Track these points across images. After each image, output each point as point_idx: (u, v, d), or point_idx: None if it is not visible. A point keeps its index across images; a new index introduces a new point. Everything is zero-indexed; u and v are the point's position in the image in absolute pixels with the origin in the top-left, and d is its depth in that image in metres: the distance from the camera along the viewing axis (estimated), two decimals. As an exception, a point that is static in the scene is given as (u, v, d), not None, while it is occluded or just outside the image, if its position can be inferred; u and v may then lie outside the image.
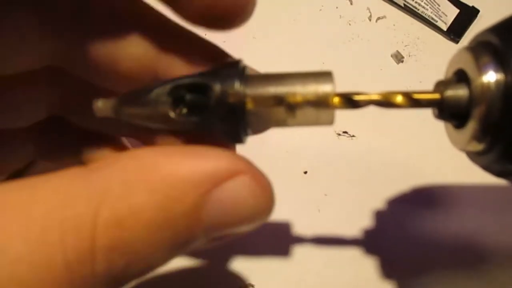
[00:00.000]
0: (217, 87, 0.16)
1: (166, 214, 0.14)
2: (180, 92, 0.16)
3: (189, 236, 0.14)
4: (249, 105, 0.16)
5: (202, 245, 0.16)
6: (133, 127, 0.17)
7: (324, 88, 0.16)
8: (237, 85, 0.16)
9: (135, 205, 0.13)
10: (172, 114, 0.16)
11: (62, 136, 0.22)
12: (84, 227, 0.12)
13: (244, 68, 0.17)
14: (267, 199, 0.15)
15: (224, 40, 0.44)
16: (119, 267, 0.13)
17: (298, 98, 0.16)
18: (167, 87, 0.16)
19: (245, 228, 0.16)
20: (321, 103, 0.16)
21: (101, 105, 0.16)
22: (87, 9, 0.17)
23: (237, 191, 0.15)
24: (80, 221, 0.12)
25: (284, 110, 0.16)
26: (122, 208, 0.13)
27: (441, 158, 0.37)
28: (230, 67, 0.17)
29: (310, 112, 0.17)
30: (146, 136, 0.21)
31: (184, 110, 0.16)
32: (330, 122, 0.17)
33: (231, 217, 0.15)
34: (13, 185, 0.13)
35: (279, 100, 0.16)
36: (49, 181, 0.13)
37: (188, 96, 0.16)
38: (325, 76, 0.17)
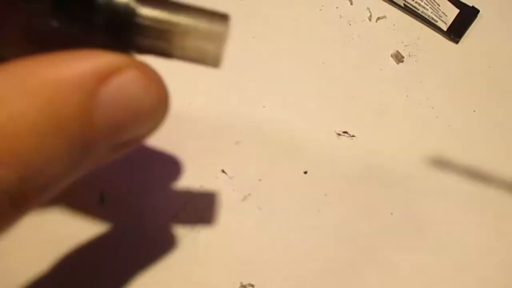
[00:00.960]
0: None
1: (52, 118, 0.13)
2: None
3: (85, 140, 0.14)
4: (138, 21, 0.15)
5: (108, 154, 0.15)
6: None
7: (216, 27, 0.17)
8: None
9: (14, 112, 0.12)
10: (54, 22, 0.14)
11: None
12: None
13: None
14: (159, 91, 0.15)
15: (224, 40, 0.44)
16: (13, 181, 0.12)
17: (189, 30, 0.17)
18: None
19: (144, 127, 0.15)
20: (211, 39, 0.17)
21: None
22: None
23: (125, 85, 0.14)
24: None
25: (172, 38, 0.16)
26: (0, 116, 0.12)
27: (441, 157, 0.37)
28: None
29: (197, 47, 0.17)
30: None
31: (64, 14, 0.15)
32: (216, 63, 0.18)
33: (124, 113, 0.14)
34: None
35: (170, 26, 0.16)
36: None
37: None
38: (221, 17, 0.17)
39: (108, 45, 0.15)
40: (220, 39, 0.17)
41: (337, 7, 0.43)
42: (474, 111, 0.39)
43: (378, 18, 0.43)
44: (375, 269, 0.34)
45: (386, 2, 0.43)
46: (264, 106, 0.38)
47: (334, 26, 0.42)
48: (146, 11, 0.16)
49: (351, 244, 0.34)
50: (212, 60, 0.18)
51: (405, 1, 0.42)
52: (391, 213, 0.36)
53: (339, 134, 0.38)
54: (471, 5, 0.42)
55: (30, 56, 0.13)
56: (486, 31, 0.42)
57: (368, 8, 0.43)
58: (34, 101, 0.12)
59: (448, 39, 0.42)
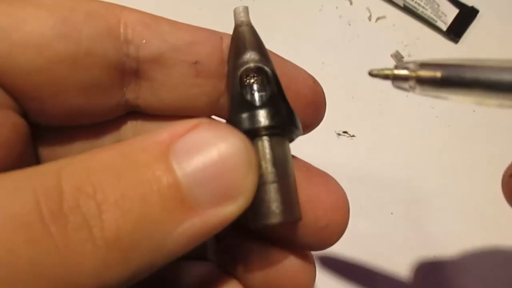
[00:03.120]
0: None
1: (130, 163, 0.15)
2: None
3: (166, 191, 0.15)
4: None
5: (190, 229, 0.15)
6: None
7: None
8: None
9: (100, 159, 0.15)
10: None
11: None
12: (50, 180, 0.14)
13: None
14: (233, 140, 0.16)
15: (224, 40, 0.44)
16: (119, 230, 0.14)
17: None
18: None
19: (231, 179, 0.16)
20: None
21: None
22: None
23: (196, 136, 0.15)
24: (48, 188, 0.14)
25: None
26: (88, 161, 0.15)
27: (441, 157, 0.37)
28: None
29: None
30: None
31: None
32: None
33: (200, 160, 0.15)
34: None
35: None
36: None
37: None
38: None
39: None
40: None
41: (336, 7, 0.43)
42: (474, 111, 0.39)
43: (378, 18, 0.43)
44: (375, 268, 0.34)
45: (386, 2, 0.43)
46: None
47: (334, 26, 0.42)
48: None
49: (351, 244, 0.34)
50: None
51: (405, 1, 0.42)
52: (391, 213, 0.36)
53: (339, 134, 0.38)
54: (470, 5, 0.42)
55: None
56: (486, 31, 0.42)
57: (368, 8, 0.43)
58: (119, 156, 0.15)
59: (448, 39, 0.42)
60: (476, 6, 0.42)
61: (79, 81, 0.18)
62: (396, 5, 0.43)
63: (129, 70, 0.19)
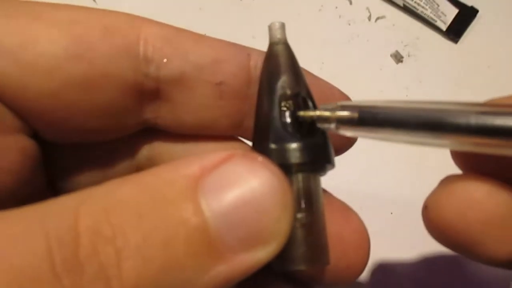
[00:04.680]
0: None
1: (154, 198, 0.13)
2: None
3: (193, 227, 0.13)
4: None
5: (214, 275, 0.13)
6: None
7: None
8: None
9: (121, 195, 0.13)
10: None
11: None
12: (65, 221, 0.12)
13: None
14: (269, 176, 0.14)
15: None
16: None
17: None
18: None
19: (265, 222, 0.14)
20: None
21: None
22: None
23: (227, 170, 0.14)
24: (63, 231, 0.12)
25: None
26: (108, 197, 0.13)
27: (442, 155, 0.38)
28: None
29: None
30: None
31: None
32: None
33: (230, 199, 0.13)
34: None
35: None
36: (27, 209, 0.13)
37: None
38: None
39: None
40: None
41: (336, 7, 0.43)
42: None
43: (378, 18, 0.43)
44: (375, 268, 0.34)
45: (386, 2, 0.43)
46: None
47: (334, 26, 0.42)
48: None
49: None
50: None
51: (405, 1, 0.42)
52: (391, 213, 0.36)
53: (339, 134, 0.38)
54: (470, 5, 0.42)
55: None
56: (485, 31, 0.42)
57: (367, 8, 0.43)
58: (143, 189, 0.13)
59: (447, 39, 0.42)
60: (476, 6, 0.42)
61: (93, 103, 0.17)
62: (396, 5, 0.43)
63: (148, 91, 0.18)
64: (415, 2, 0.42)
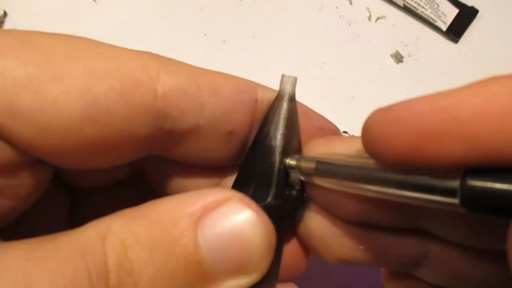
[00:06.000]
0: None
1: (164, 240, 0.16)
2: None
3: (191, 261, 0.16)
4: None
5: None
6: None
7: None
8: None
9: (135, 232, 0.16)
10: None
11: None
12: (99, 258, 0.15)
13: None
14: (260, 223, 0.17)
15: (224, 40, 0.44)
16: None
17: None
18: None
19: (251, 259, 0.17)
20: None
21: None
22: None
23: (225, 212, 0.16)
24: (98, 265, 0.15)
25: None
26: (125, 233, 0.16)
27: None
28: None
29: None
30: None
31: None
32: None
33: (227, 238, 0.16)
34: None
35: None
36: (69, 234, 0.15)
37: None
38: None
39: None
40: None
41: (336, 7, 0.43)
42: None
43: (378, 18, 0.43)
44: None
45: (386, 2, 0.43)
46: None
47: (334, 26, 0.42)
48: None
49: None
50: None
51: (405, 1, 0.42)
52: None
53: (339, 134, 0.38)
54: (470, 5, 0.42)
55: (168, 196, 0.17)
56: (485, 31, 0.42)
57: (367, 8, 0.43)
58: (153, 227, 0.16)
59: (448, 39, 0.42)
60: (476, 6, 0.42)
61: (106, 154, 0.18)
62: (396, 5, 0.43)
63: (161, 138, 0.18)
64: (415, 2, 0.42)
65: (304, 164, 0.18)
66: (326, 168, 0.18)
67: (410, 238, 0.18)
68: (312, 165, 0.18)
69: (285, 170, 0.19)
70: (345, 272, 0.34)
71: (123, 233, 0.15)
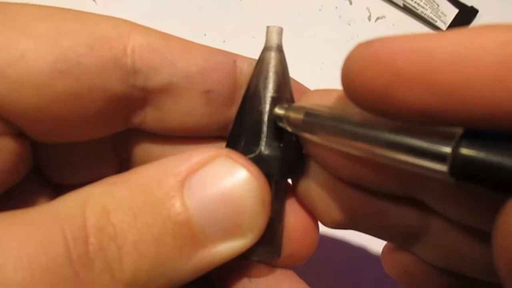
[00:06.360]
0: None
1: (149, 200, 0.15)
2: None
3: (178, 221, 0.15)
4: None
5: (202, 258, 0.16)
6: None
7: None
8: None
9: (118, 196, 0.15)
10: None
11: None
12: (76, 222, 0.14)
13: None
14: (250, 177, 0.16)
15: (224, 40, 0.44)
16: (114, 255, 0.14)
17: None
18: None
19: (244, 217, 0.16)
20: None
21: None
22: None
23: (211, 170, 0.16)
24: (75, 231, 0.14)
25: None
26: (107, 197, 0.15)
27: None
28: None
29: None
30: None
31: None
32: None
33: (213, 194, 0.15)
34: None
35: None
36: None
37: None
38: None
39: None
40: None
41: (336, 7, 0.43)
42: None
43: (378, 18, 0.43)
44: (374, 268, 0.34)
45: (386, 2, 0.43)
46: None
47: (334, 26, 0.42)
48: None
49: (352, 244, 0.34)
50: None
51: (405, 1, 0.42)
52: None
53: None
54: (470, 5, 0.42)
55: (158, 160, 0.16)
56: (485, 31, 0.42)
57: (367, 8, 0.43)
58: (136, 190, 0.15)
59: (448, 39, 0.42)
60: (476, 6, 0.42)
61: (80, 115, 0.17)
62: (396, 5, 0.43)
63: (135, 99, 0.18)
64: (415, 2, 0.42)
65: (292, 115, 0.17)
66: (314, 120, 0.16)
67: (411, 210, 0.17)
68: (301, 116, 0.17)
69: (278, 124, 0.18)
70: (346, 267, 0.34)
71: (105, 198, 0.15)
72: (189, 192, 0.15)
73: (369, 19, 0.43)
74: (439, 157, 0.12)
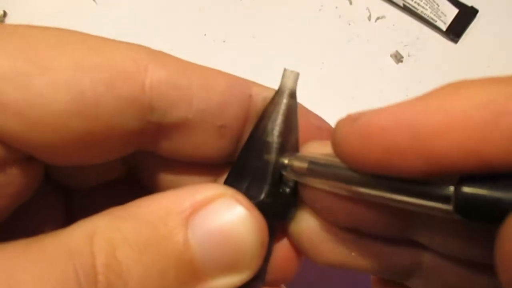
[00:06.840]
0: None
1: (153, 238, 0.15)
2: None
3: (181, 258, 0.16)
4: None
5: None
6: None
7: None
8: None
9: (123, 230, 0.15)
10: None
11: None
12: (86, 259, 0.15)
13: None
14: (251, 216, 0.16)
15: (224, 40, 0.44)
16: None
17: None
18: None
19: (243, 257, 0.16)
20: None
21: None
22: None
23: (215, 210, 0.16)
24: (85, 266, 0.15)
25: None
26: (113, 232, 0.15)
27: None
28: None
29: None
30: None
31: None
32: None
33: (216, 235, 0.16)
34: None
35: None
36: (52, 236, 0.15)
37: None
38: None
39: None
40: None
41: (336, 7, 0.43)
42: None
43: (378, 18, 0.43)
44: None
45: (386, 2, 0.43)
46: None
47: (334, 26, 0.42)
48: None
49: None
50: None
51: (405, 1, 0.42)
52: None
53: (339, 134, 0.38)
54: (470, 5, 0.42)
55: (157, 194, 0.17)
56: (485, 31, 0.42)
57: (367, 8, 0.43)
58: (142, 226, 0.16)
59: (447, 39, 0.42)
60: (476, 6, 0.42)
61: (95, 149, 0.17)
62: (396, 5, 0.43)
63: (149, 132, 0.18)
64: (415, 2, 0.42)
65: (296, 163, 0.18)
66: (318, 168, 0.17)
67: (404, 248, 0.18)
68: (305, 165, 0.18)
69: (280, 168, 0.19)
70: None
71: (111, 232, 0.15)
72: (193, 229, 0.16)
73: (369, 19, 0.43)
74: (443, 198, 0.13)
